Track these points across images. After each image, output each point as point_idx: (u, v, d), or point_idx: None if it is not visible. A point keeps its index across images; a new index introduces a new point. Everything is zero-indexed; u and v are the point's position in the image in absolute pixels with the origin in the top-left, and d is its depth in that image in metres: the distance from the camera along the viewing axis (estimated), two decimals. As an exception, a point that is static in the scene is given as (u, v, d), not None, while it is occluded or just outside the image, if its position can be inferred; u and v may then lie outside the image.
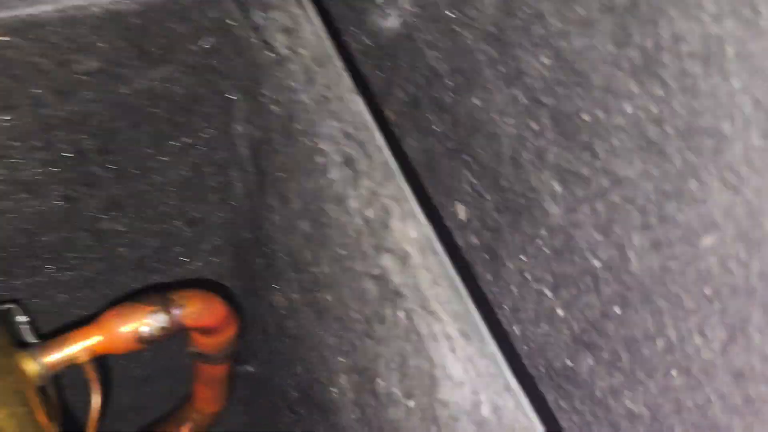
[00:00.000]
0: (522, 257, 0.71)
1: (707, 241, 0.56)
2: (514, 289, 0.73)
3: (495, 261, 0.74)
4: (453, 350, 0.68)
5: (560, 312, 0.69)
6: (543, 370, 0.72)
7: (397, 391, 0.71)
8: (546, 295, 0.69)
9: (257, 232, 0.96)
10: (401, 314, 0.70)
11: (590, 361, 0.67)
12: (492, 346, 0.68)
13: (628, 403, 0.65)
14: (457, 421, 0.66)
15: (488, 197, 0.74)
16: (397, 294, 0.71)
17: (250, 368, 1.06)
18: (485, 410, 0.66)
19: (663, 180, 0.57)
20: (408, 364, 0.70)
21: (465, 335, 0.68)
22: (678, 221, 0.57)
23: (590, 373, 0.67)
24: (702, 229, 0.55)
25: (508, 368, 0.67)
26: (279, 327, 0.95)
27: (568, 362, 0.69)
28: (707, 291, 0.56)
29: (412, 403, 0.70)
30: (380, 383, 0.74)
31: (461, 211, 0.79)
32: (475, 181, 0.75)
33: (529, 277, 0.71)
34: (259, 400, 1.09)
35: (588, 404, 0.68)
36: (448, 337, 0.68)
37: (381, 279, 0.72)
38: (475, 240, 0.77)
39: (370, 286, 0.73)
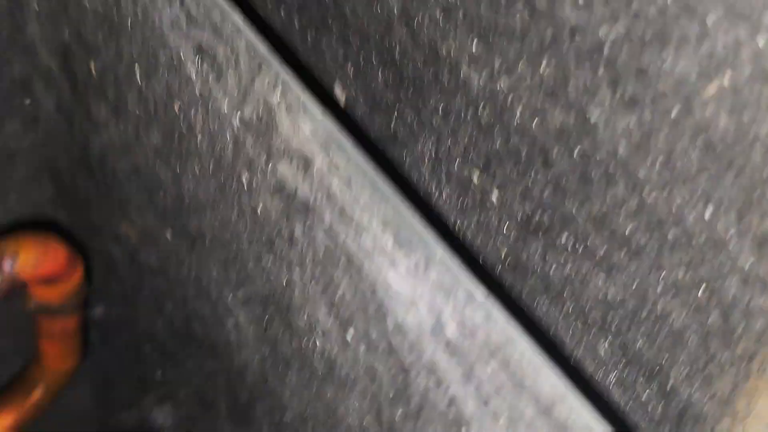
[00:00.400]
0: (435, 140, 0.59)
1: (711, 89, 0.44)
2: (443, 178, 0.60)
3: (405, 147, 0.61)
4: (393, 264, 0.55)
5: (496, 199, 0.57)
6: (500, 267, 0.60)
7: (326, 321, 0.58)
8: (474, 180, 0.57)
9: (83, 153, 0.79)
10: (317, 233, 0.57)
11: (550, 247, 0.56)
12: (438, 250, 0.55)
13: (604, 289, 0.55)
14: (421, 348, 0.54)
15: (377, 71, 0.60)
16: (306, 208, 0.57)
17: (101, 312, 0.91)
18: (451, 330, 0.54)
19: (642, 25, 0.45)
20: (338, 290, 0.57)
21: (402, 243, 0.55)
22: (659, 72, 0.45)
23: (549, 259, 0.56)
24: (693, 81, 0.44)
25: (466, 274, 0.55)
26: (132, 261, 0.80)
27: (524, 255, 0.58)
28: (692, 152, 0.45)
29: (350, 333, 0.57)
30: (299, 315, 0.60)
31: (340, 93, 0.65)
32: (355, 55, 0.61)
33: (453, 161, 0.59)
34: (120, 347, 0.94)
35: (567, 302, 0.57)
36: (383, 250, 0.55)
37: (280, 192, 0.58)
38: (374, 125, 0.63)
39: (268, 203, 0.59)
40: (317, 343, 0.60)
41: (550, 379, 0.53)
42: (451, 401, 0.54)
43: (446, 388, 0.54)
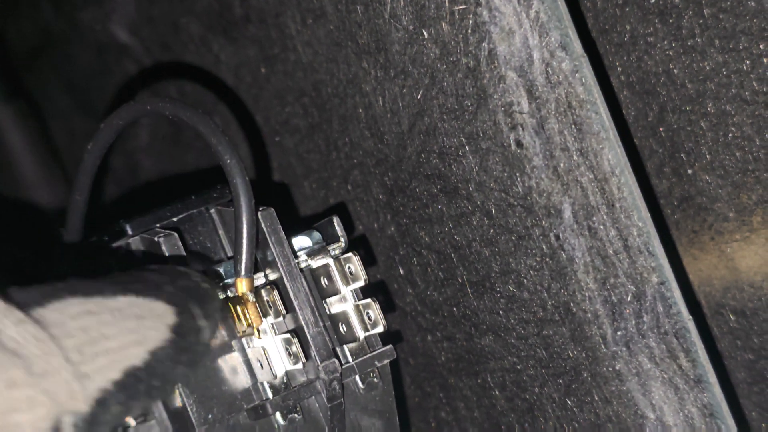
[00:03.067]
0: None
1: None
2: None
3: None
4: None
5: None
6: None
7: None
8: None
9: None
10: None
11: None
12: None
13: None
14: (504, 80, 0.54)
15: None
16: None
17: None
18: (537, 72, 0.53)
19: None
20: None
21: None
22: None
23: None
24: None
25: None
26: None
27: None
28: None
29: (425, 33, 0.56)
30: None
31: None
32: None
33: None
34: None
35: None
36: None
37: None
38: None
39: None
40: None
41: (613, 154, 0.53)
42: (518, 143, 0.54)
43: (516, 129, 0.54)
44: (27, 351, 0.41)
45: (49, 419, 0.41)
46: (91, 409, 0.43)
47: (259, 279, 0.57)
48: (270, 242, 0.56)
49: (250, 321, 0.55)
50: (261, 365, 0.56)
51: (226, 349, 0.57)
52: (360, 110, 0.62)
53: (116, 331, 0.45)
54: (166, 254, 0.56)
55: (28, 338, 0.42)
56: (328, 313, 0.58)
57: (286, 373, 0.57)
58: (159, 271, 0.49)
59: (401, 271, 0.65)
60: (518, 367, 0.60)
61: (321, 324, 0.56)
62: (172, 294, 0.48)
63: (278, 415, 0.57)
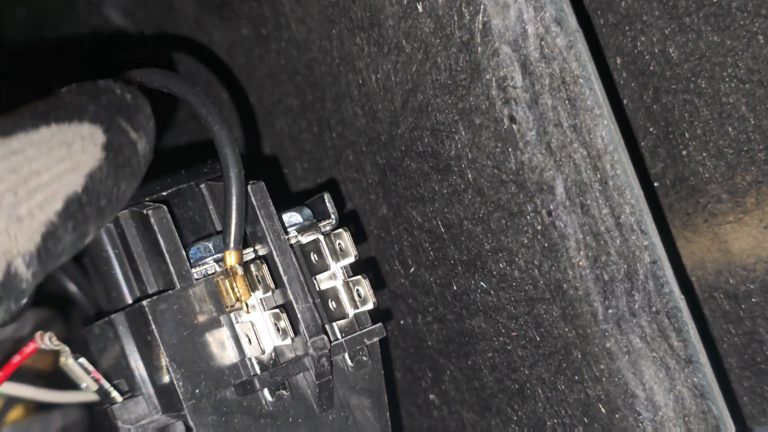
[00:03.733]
0: None
1: None
2: None
3: None
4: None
5: None
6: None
7: None
8: None
9: None
10: None
11: None
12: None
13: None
14: (498, 54, 0.53)
15: None
16: None
17: None
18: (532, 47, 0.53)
19: None
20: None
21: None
22: None
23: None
24: None
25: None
26: None
27: None
28: None
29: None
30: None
31: None
32: None
33: None
34: None
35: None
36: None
37: None
38: None
39: None
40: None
41: (607, 131, 0.52)
42: (511, 119, 0.54)
43: (509, 104, 0.54)
44: None
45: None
46: (40, 243, 0.43)
47: (249, 254, 0.57)
48: (260, 216, 0.56)
49: (238, 295, 0.55)
50: (249, 340, 0.56)
51: (215, 323, 0.56)
52: (353, 88, 0.62)
53: (46, 163, 0.44)
54: (155, 228, 0.56)
55: None
56: (317, 289, 0.58)
57: (275, 349, 0.57)
58: (78, 92, 0.47)
59: (393, 252, 0.65)
60: (508, 348, 0.59)
61: (310, 300, 0.56)
62: (95, 113, 0.46)
63: (266, 391, 0.56)
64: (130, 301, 0.60)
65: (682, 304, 0.53)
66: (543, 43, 0.52)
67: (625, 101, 0.59)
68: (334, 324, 0.58)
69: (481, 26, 0.53)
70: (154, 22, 0.78)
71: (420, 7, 0.55)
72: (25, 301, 0.44)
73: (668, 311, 0.53)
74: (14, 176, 0.43)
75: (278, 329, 0.56)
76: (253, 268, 0.56)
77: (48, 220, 0.43)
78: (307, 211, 0.59)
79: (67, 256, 0.45)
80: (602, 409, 0.56)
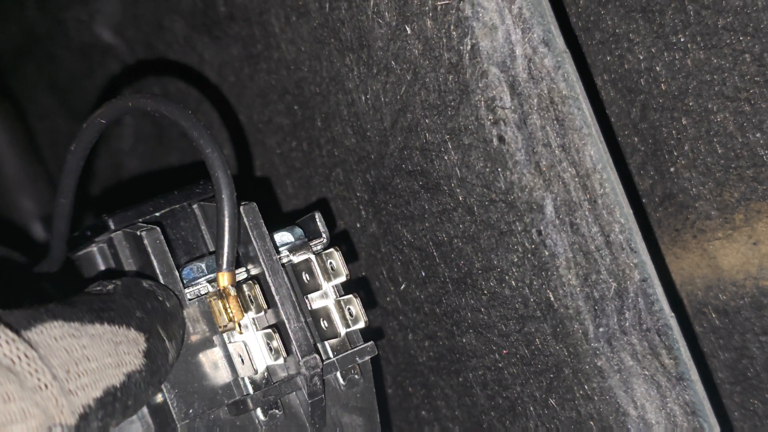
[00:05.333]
0: None
1: None
2: None
3: None
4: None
5: None
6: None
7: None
8: None
9: None
10: None
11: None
12: None
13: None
14: (486, 75, 0.53)
15: None
16: None
17: None
18: (520, 68, 0.53)
19: None
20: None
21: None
22: None
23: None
24: None
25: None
26: None
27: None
28: None
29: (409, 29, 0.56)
30: None
31: None
32: None
33: None
34: None
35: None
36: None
37: None
38: None
39: None
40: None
41: (596, 150, 0.53)
42: (500, 139, 0.54)
43: (498, 124, 0.54)
44: (19, 368, 0.45)
45: (42, 430, 0.45)
46: (77, 422, 0.46)
47: (241, 274, 0.57)
48: (252, 237, 0.56)
49: (231, 315, 0.55)
50: (242, 360, 0.56)
51: (207, 344, 0.57)
52: (342, 108, 0.62)
53: (96, 353, 0.48)
54: (149, 250, 0.56)
55: (21, 356, 0.45)
56: (309, 308, 0.58)
57: (267, 368, 0.57)
58: (126, 294, 0.52)
59: (383, 270, 0.65)
60: (500, 365, 0.59)
61: (302, 319, 0.56)
62: (141, 320, 0.51)
63: (259, 410, 0.57)
64: (123, 321, 0.60)
65: (673, 321, 0.53)
66: (531, 64, 0.53)
67: (612, 119, 0.59)
68: (326, 343, 0.58)
69: (469, 48, 0.53)
70: (144, 41, 0.78)
71: (409, 29, 0.56)
72: None
73: (659, 329, 0.53)
74: (68, 356, 0.47)
75: (271, 349, 0.56)
76: (245, 288, 0.56)
77: (87, 404, 0.47)
78: (299, 231, 0.59)
79: None
80: (594, 427, 0.56)
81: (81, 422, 0.46)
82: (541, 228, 0.54)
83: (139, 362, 0.50)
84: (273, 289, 0.56)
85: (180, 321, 0.55)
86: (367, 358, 0.58)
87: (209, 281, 0.56)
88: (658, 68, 0.56)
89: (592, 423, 0.56)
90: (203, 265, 0.57)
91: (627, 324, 0.54)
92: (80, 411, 0.47)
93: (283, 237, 0.58)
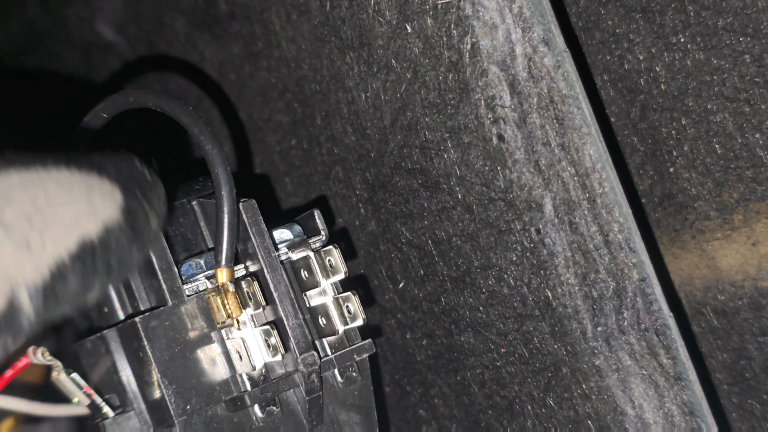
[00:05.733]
0: None
1: None
2: None
3: None
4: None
5: None
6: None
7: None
8: None
9: None
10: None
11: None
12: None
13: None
14: (486, 74, 0.54)
15: None
16: None
17: None
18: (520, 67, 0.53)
19: None
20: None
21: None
22: None
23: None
24: None
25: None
26: None
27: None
28: None
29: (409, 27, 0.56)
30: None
31: None
32: None
33: None
34: None
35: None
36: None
37: None
38: None
39: None
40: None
41: (595, 150, 0.53)
42: (500, 137, 0.54)
43: (498, 123, 0.54)
44: None
45: (2, 296, 0.39)
46: (48, 279, 0.40)
47: (240, 270, 0.57)
48: (251, 233, 0.56)
49: (229, 312, 0.55)
50: (240, 357, 0.56)
51: (206, 340, 0.57)
52: (342, 106, 0.62)
53: (65, 200, 0.41)
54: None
55: None
56: (307, 305, 0.58)
57: (265, 365, 0.57)
58: (101, 155, 0.46)
59: (382, 267, 0.65)
60: (498, 364, 0.60)
61: (300, 316, 0.56)
62: (116, 175, 0.45)
63: (256, 407, 0.57)
64: (122, 317, 0.60)
65: (671, 321, 0.53)
66: (531, 63, 0.53)
67: (612, 119, 0.59)
68: (324, 340, 0.58)
69: (469, 47, 0.53)
70: (146, 39, 0.78)
71: (409, 28, 0.56)
72: (22, 340, 0.41)
73: (657, 329, 0.53)
74: (30, 205, 0.40)
75: (269, 345, 0.56)
76: (244, 284, 0.56)
77: (59, 256, 0.41)
78: (298, 228, 0.59)
79: (67, 306, 0.42)
80: (592, 427, 0.56)
81: (54, 279, 0.40)
82: (540, 227, 0.54)
83: (117, 214, 0.43)
84: (271, 285, 0.56)
85: (161, 195, 0.48)
86: (365, 355, 0.58)
87: (208, 278, 0.56)
88: (658, 68, 0.56)
89: (589, 422, 0.56)
90: (202, 262, 0.57)
91: (625, 323, 0.54)
92: (50, 265, 0.40)
93: (282, 234, 0.58)
